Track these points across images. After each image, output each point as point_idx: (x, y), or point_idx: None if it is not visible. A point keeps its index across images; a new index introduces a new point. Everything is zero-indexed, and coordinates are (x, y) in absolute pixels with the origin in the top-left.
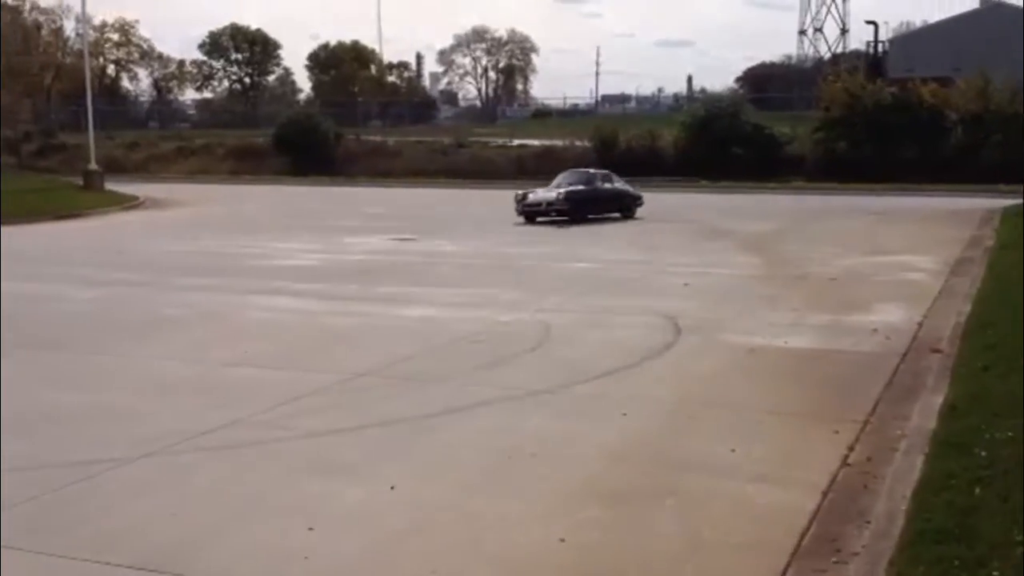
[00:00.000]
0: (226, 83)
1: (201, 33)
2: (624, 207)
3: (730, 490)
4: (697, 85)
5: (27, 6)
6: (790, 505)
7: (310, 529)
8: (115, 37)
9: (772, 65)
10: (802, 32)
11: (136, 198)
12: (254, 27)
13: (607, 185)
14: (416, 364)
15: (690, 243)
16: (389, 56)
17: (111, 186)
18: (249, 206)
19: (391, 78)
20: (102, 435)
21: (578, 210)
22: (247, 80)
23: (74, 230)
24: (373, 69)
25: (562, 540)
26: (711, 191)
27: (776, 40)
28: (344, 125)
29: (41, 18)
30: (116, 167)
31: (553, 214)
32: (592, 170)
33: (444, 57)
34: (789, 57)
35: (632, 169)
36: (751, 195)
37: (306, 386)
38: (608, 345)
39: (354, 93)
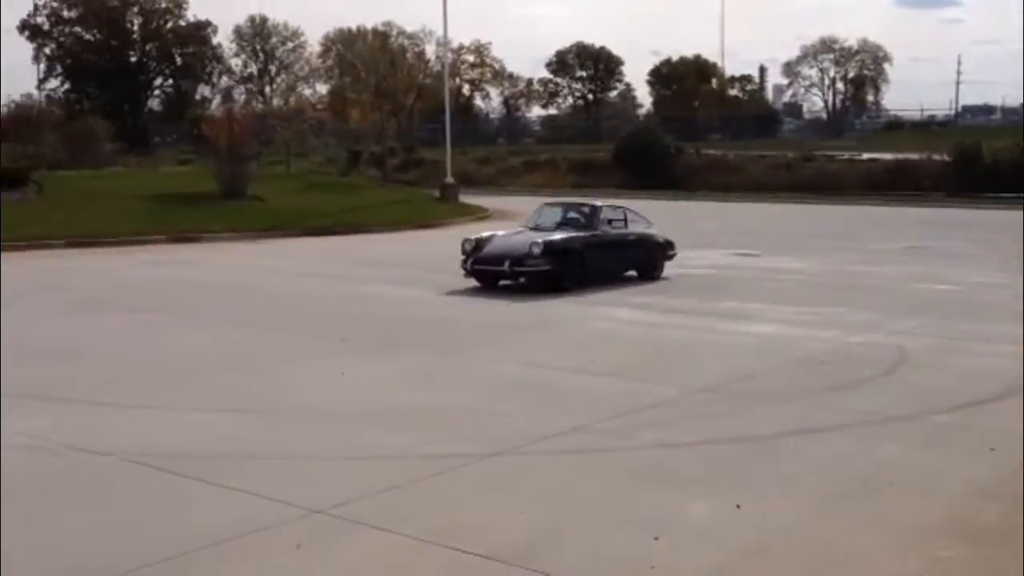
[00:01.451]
0: (570, 100)
1: (548, 53)
2: (645, 260)
3: None
4: None
5: (394, 32)
6: None
7: (656, 539)
8: (471, 59)
9: None
10: None
11: (485, 209)
12: (598, 45)
13: (616, 226)
14: (760, 382)
15: None
16: (731, 69)
17: (464, 198)
18: None
19: (733, 91)
20: (458, 432)
21: (567, 269)
22: (590, 96)
23: (431, 238)
24: (714, 83)
25: None
26: None
27: None
28: (684, 139)
29: (406, 43)
30: (468, 180)
31: (521, 278)
32: (592, 203)
33: (789, 69)
34: None
35: (998, 187)
36: None
37: (647, 398)
38: (970, 374)
39: (694, 107)
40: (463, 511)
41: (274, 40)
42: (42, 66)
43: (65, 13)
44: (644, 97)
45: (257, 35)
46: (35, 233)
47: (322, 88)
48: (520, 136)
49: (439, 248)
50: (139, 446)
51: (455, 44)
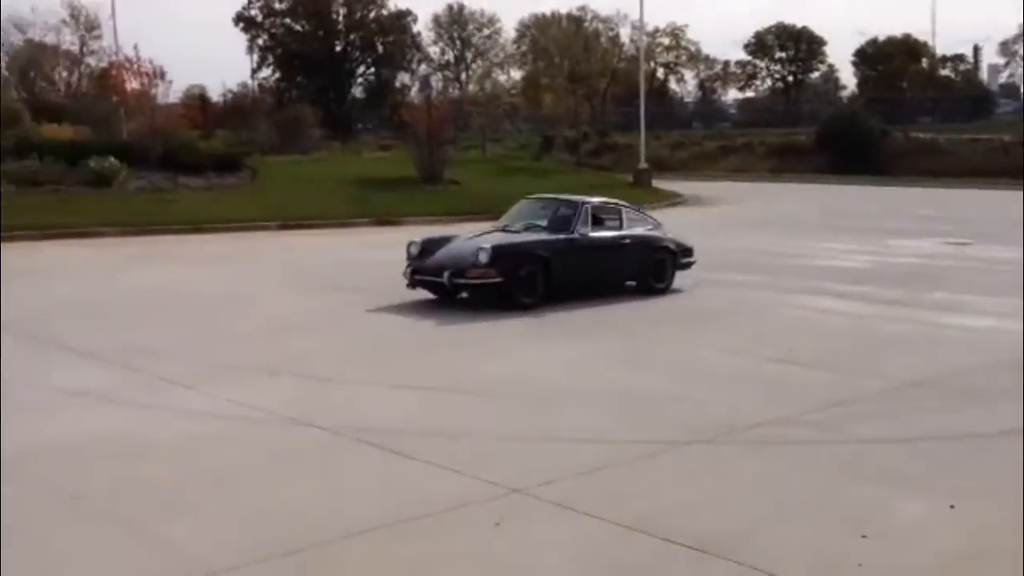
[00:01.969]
0: (769, 82)
1: (746, 34)
2: (645, 269)
3: None
4: None
5: (588, 16)
6: None
7: (863, 537)
8: (666, 42)
9: None
10: None
11: (679, 195)
12: (799, 25)
13: (608, 227)
14: (978, 378)
15: None
16: (943, 49)
17: (657, 183)
18: (789, 204)
19: (944, 72)
20: (656, 417)
21: (524, 281)
22: (789, 78)
23: None
24: (924, 63)
25: None
26: None
27: None
28: (890, 122)
29: (600, 27)
30: (661, 165)
31: (463, 292)
32: (574, 199)
33: (1006, 48)
34: None
35: None
36: None
37: (853, 390)
38: None
39: (902, 89)
40: (667, 498)
41: (471, 27)
42: (255, 57)
43: (276, 5)
44: (848, 78)
45: (454, 23)
46: (251, 215)
47: (516, 74)
48: (715, 120)
49: None
50: (352, 420)
51: (650, 27)
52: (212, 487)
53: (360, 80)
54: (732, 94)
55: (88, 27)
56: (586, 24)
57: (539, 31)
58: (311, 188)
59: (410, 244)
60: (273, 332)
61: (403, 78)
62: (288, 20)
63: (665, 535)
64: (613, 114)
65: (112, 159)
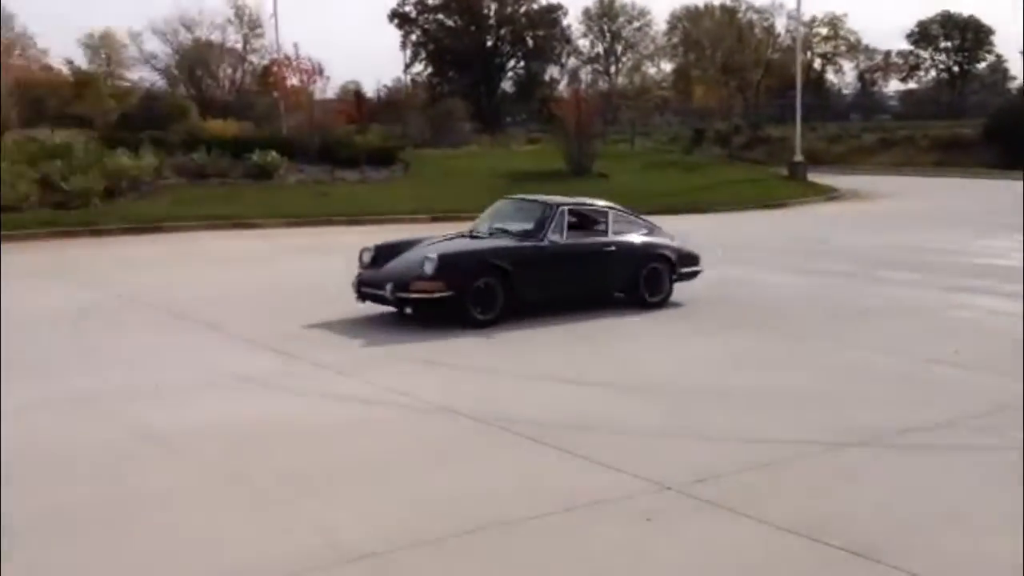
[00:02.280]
0: (933, 73)
1: (909, 23)
2: (635, 279)
3: None
4: None
5: (742, 7)
6: None
7: None
8: (823, 31)
9: None
10: None
11: (836, 189)
12: (966, 14)
13: (593, 233)
14: None
15: None
16: None
17: (812, 177)
18: (954, 200)
19: None
20: (811, 417)
21: (478, 294)
22: (955, 69)
23: (778, 218)
24: None
25: None
26: None
27: None
28: None
29: (754, 17)
30: (817, 159)
31: (408, 307)
32: (549, 200)
33: None
34: None
35: None
36: None
37: (1017, 395)
38: None
39: None
40: (821, 500)
41: (621, 20)
42: (408, 52)
43: (430, 1)
44: (1017, 69)
45: (604, 15)
46: (404, 208)
47: (667, 66)
48: (875, 112)
49: (786, 227)
50: (501, 410)
51: (807, 17)
52: (368, 473)
53: (510, 74)
54: (893, 85)
55: (251, 26)
56: (740, 15)
57: (691, 23)
58: (462, 181)
59: (363, 251)
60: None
61: (552, 72)
62: (440, 16)
63: (816, 537)
64: (767, 106)
65: (274, 153)
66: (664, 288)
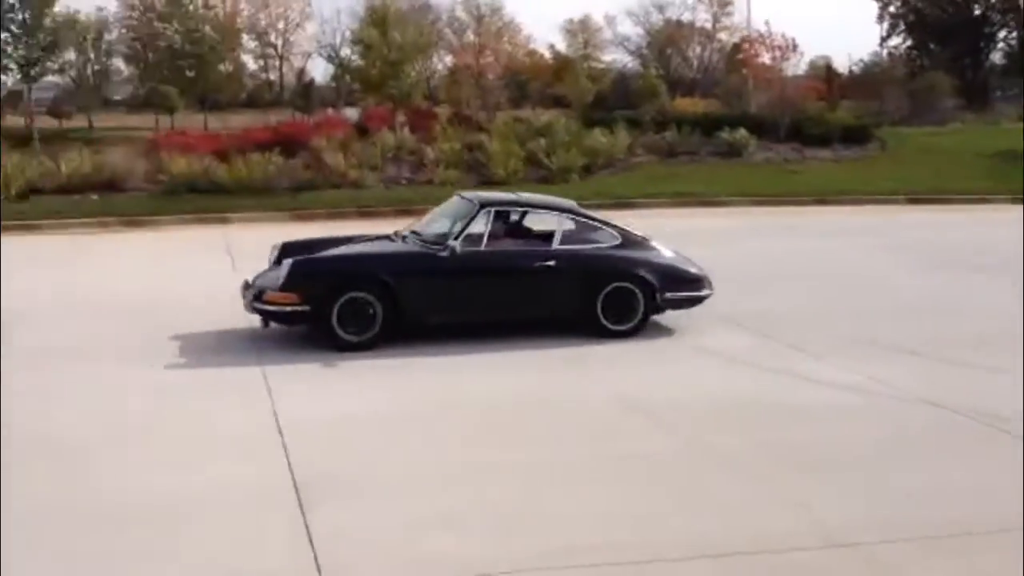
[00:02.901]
0: None
1: None
2: (591, 304)
3: None
4: None
5: None
6: None
7: None
8: None
9: None
10: None
11: None
12: None
13: (527, 243)
14: None
15: None
16: None
17: None
18: None
19: None
20: None
21: (343, 311)
22: None
23: None
24: None
25: None
26: None
27: None
28: None
29: None
30: None
31: (270, 320)
32: (476, 198)
33: None
34: None
35: None
36: None
37: None
38: None
39: None
40: None
41: None
42: (885, 25)
43: None
44: None
45: None
46: (877, 188)
47: None
48: None
49: None
50: (988, 407)
51: None
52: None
53: (1000, 45)
54: None
55: (721, 4)
56: None
57: None
58: (943, 161)
59: (273, 249)
60: (899, 311)
61: None
62: None
63: None
64: None
65: (743, 131)
66: (635, 316)
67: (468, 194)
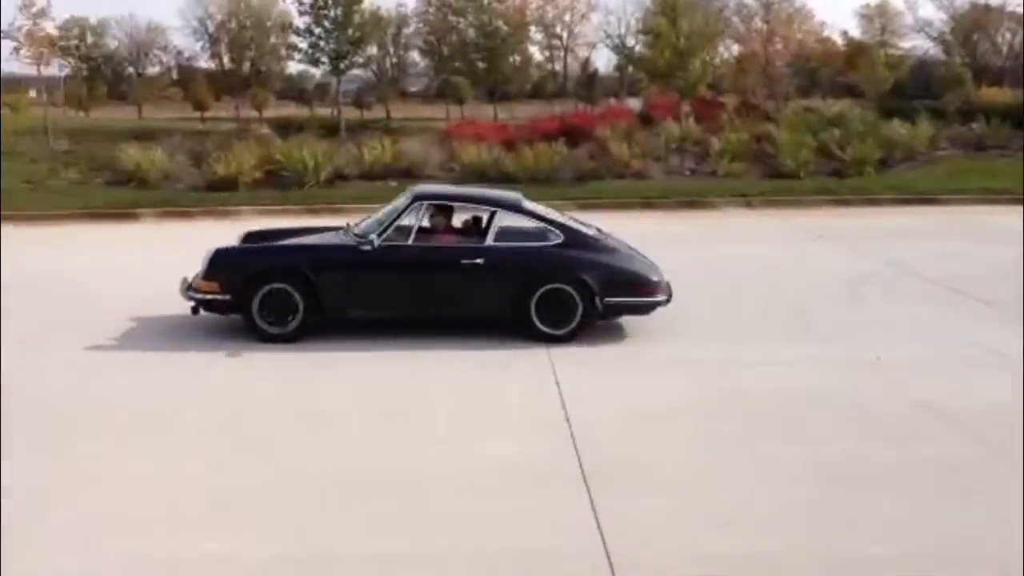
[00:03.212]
0: None
1: None
2: (523, 305)
3: None
4: None
5: None
6: None
7: None
8: None
9: None
10: None
11: None
12: None
13: (460, 238)
14: None
15: None
16: None
17: None
18: None
19: None
20: None
21: (264, 303)
22: None
23: None
24: None
25: None
26: None
27: None
28: None
29: None
30: None
31: (205, 305)
32: (411, 192)
33: None
34: None
35: None
36: None
37: None
38: None
39: None
40: None
41: None
42: None
43: None
44: None
45: None
46: None
47: None
48: None
49: None
50: None
51: None
52: None
53: None
54: None
55: None
56: None
57: None
58: None
59: (239, 238)
60: None
61: None
62: None
63: None
64: None
65: None
66: (571, 319)
67: (416, 187)
